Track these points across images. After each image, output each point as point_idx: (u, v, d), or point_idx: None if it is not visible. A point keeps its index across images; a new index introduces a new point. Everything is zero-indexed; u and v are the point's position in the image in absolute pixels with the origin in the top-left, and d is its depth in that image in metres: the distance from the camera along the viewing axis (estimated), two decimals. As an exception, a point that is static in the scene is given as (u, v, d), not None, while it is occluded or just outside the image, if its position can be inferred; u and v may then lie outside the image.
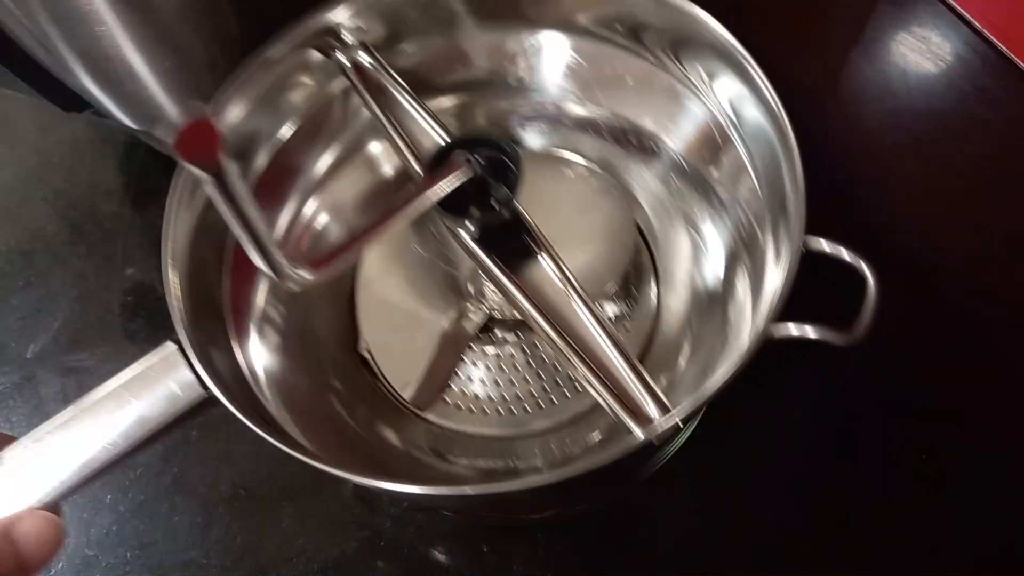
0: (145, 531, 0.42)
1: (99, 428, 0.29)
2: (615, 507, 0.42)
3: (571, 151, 0.44)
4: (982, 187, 0.50)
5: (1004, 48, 0.54)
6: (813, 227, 0.30)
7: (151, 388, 0.30)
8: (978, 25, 0.55)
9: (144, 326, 0.48)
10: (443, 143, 0.36)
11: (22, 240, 0.52)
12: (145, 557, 0.42)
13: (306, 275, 0.26)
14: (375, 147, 0.43)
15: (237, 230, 0.23)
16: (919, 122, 0.53)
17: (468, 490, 0.27)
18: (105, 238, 0.51)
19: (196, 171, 0.21)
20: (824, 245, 0.31)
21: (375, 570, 0.41)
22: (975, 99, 0.53)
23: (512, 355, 0.40)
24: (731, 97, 0.36)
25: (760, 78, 0.33)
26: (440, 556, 0.41)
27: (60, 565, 0.42)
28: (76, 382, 0.47)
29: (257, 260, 0.25)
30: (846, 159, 0.52)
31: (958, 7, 0.56)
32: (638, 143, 0.42)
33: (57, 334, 0.48)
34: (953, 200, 0.50)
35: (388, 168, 0.44)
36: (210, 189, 0.21)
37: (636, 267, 0.42)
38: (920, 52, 0.56)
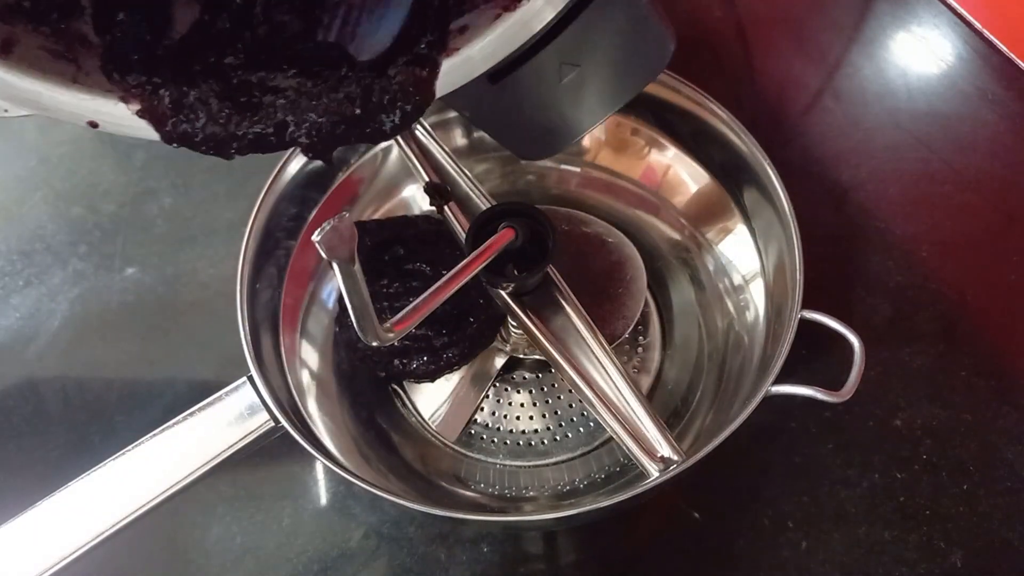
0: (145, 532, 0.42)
1: (181, 449, 0.35)
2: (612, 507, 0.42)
3: (593, 209, 0.47)
4: (982, 186, 0.50)
5: (1004, 48, 0.54)
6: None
7: (226, 417, 0.35)
8: (978, 25, 0.55)
9: (144, 326, 0.48)
10: (483, 205, 0.41)
11: (22, 240, 0.52)
12: (145, 558, 0.42)
13: (390, 335, 0.30)
14: (408, 191, 0.47)
15: (348, 302, 0.27)
16: (919, 122, 0.53)
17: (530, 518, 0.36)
18: (105, 238, 0.51)
19: (333, 264, 0.25)
20: (817, 316, 0.34)
21: (375, 570, 0.41)
22: (975, 99, 0.53)
23: (531, 391, 0.44)
24: (750, 195, 0.41)
25: (785, 198, 0.37)
26: (440, 556, 0.41)
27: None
28: (76, 382, 0.47)
29: (357, 325, 0.28)
30: (845, 159, 0.52)
31: (958, 7, 0.56)
32: (664, 217, 0.47)
33: (57, 334, 0.48)
34: (952, 200, 0.50)
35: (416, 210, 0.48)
36: (338, 273, 0.25)
37: (644, 317, 0.46)
38: (920, 52, 0.56)
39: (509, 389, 0.44)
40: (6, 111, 0.21)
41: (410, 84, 0.22)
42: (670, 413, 0.42)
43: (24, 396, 0.47)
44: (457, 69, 0.22)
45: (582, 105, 0.30)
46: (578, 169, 0.48)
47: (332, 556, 0.41)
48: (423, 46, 0.22)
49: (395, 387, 0.44)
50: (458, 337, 0.40)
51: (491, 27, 0.21)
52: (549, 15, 0.22)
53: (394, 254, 0.42)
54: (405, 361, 0.40)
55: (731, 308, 0.43)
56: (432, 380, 0.42)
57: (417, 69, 0.22)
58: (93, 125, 0.21)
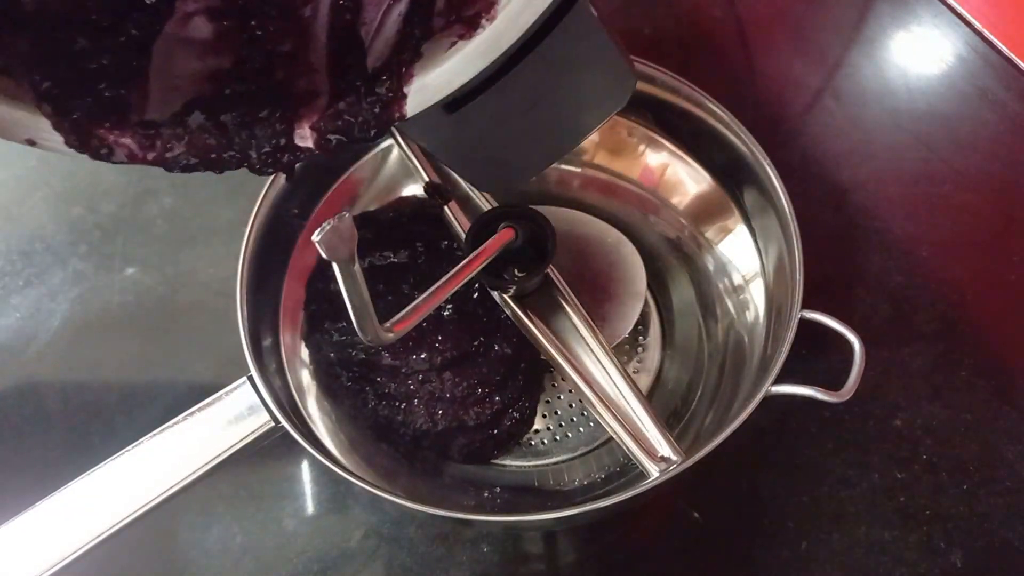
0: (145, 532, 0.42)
1: (181, 449, 0.35)
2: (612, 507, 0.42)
3: (593, 210, 0.47)
4: (982, 186, 0.50)
5: (1004, 48, 0.54)
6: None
7: (226, 417, 0.35)
8: (978, 25, 0.55)
9: (144, 326, 0.48)
10: (483, 205, 0.41)
11: (22, 240, 0.52)
12: (145, 558, 0.42)
13: (389, 335, 0.30)
14: (408, 191, 0.47)
15: (348, 301, 0.27)
16: (919, 122, 0.53)
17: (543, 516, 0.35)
18: (105, 238, 0.51)
19: (333, 264, 0.25)
20: (817, 316, 0.34)
21: (375, 570, 0.41)
22: (975, 99, 0.53)
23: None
24: (750, 195, 0.41)
25: (785, 198, 0.38)
26: (440, 556, 0.41)
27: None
28: (76, 382, 0.47)
29: (357, 324, 0.28)
30: (845, 159, 0.52)
31: (958, 7, 0.56)
32: (664, 217, 0.46)
33: (57, 334, 0.48)
34: (952, 200, 0.50)
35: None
36: (338, 273, 0.25)
37: (644, 317, 0.46)
38: (920, 52, 0.56)
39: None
40: None
41: (376, 109, 0.22)
42: (670, 413, 0.42)
43: (24, 396, 0.47)
44: (413, 96, 0.22)
45: (542, 139, 0.29)
46: (578, 169, 0.48)
47: (332, 556, 0.41)
48: (384, 76, 0.21)
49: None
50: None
51: (446, 55, 0.21)
52: (505, 45, 0.21)
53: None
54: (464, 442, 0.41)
55: (731, 308, 0.43)
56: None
57: (382, 96, 0.22)
58: (31, 143, 0.21)
